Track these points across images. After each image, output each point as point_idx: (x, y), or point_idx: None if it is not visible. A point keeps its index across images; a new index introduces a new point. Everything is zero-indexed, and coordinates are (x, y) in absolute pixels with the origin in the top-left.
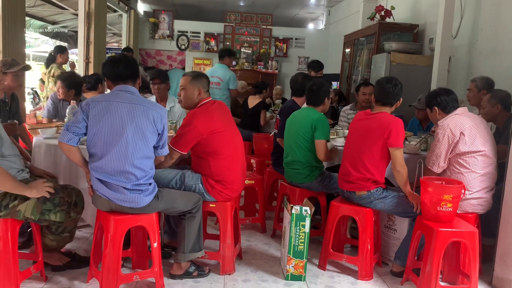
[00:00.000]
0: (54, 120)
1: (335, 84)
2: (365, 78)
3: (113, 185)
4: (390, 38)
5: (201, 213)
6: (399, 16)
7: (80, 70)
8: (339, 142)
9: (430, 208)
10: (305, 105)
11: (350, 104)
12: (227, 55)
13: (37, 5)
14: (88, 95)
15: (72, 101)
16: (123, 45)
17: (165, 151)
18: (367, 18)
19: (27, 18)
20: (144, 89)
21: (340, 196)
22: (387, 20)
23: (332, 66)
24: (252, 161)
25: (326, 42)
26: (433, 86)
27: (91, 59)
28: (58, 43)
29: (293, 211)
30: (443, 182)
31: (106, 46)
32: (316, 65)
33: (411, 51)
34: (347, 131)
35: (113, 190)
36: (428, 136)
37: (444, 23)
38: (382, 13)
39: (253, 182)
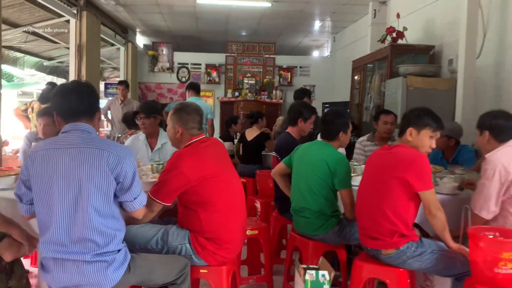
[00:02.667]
0: None
1: None
2: (378, 105)
3: (69, 262)
4: (403, 61)
5: (189, 282)
6: (411, 37)
7: None
8: (358, 181)
9: (484, 269)
10: (319, 137)
11: (367, 135)
12: (192, 88)
13: (29, 40)
14: None
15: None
16: (121, 79)
17: (138, 204)
18: (377, 41)
19: (21, 55)
20: (133, 126)
21: (364, 252)
22: (399, 42)
23: (340, 93)
24: (256, 203)
25: (333, 69)
26: (459, 112)
27: None
28: (56, 79)
29: (307, 276)
30: (497, 234)
31: (106, 81)
32: (299, 93)
33: (429, 74)
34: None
35: (69, 271)
36: (464, 173)
37: (468, 42)
38: (394, 34)
39: (257, 232)
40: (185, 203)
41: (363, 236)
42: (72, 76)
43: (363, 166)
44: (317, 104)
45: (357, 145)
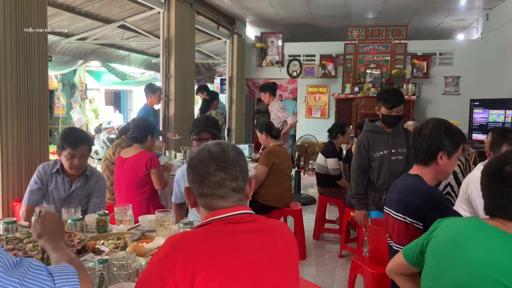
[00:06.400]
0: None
1: (505, 114)
2: None
3: None
4: None
5: None
6: None
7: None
8: None
9: None
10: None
11: None
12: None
13: (127, 37)
14: (127, 153)
15: None
16: (227, 76)
17: None
18: None
19: (126, 53)
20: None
21: None
22: None
23: (496, 87)
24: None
25: (485, 56)
26: None
27: (172, 96)
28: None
29: None
30: None
31: (221, 77)
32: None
33: None
34: None
35: None
36: None
37: None
38: None
39: None
40: None
41: None
42: (162, 76)
43: None
44: (463, 101)
45: None
